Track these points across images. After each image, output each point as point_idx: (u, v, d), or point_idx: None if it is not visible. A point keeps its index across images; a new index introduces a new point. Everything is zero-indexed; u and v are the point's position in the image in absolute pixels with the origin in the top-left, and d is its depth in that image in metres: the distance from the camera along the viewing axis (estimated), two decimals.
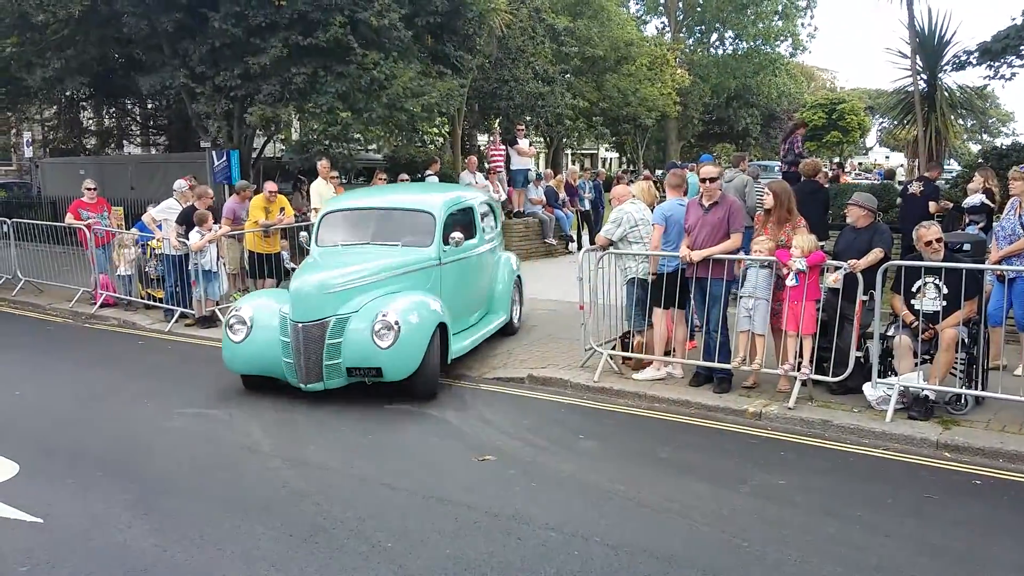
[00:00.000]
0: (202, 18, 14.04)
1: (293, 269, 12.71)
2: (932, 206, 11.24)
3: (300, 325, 7.05)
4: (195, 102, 15.15)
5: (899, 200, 10.52)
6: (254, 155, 17.39)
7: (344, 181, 15.27)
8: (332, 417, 7.02)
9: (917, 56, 14.71)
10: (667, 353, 7.93)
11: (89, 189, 12.47)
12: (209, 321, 10.54)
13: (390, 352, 7.06)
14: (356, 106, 14.29)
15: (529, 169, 17.91)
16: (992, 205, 10.49)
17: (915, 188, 11.06)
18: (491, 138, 19.52)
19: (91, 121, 24.30)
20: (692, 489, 5.49)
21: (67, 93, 19.05)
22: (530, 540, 4.66)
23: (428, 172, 15.88)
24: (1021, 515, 5.12)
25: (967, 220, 10.45)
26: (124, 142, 24.09)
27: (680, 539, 4.71)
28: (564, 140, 29.71)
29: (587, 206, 18.83)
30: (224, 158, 15.69)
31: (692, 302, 7.67)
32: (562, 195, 18.33)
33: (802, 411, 6.83)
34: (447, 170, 17.66)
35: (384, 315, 7.09)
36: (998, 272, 7.53)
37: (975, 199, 10.63)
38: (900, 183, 14.23)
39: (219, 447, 6.32)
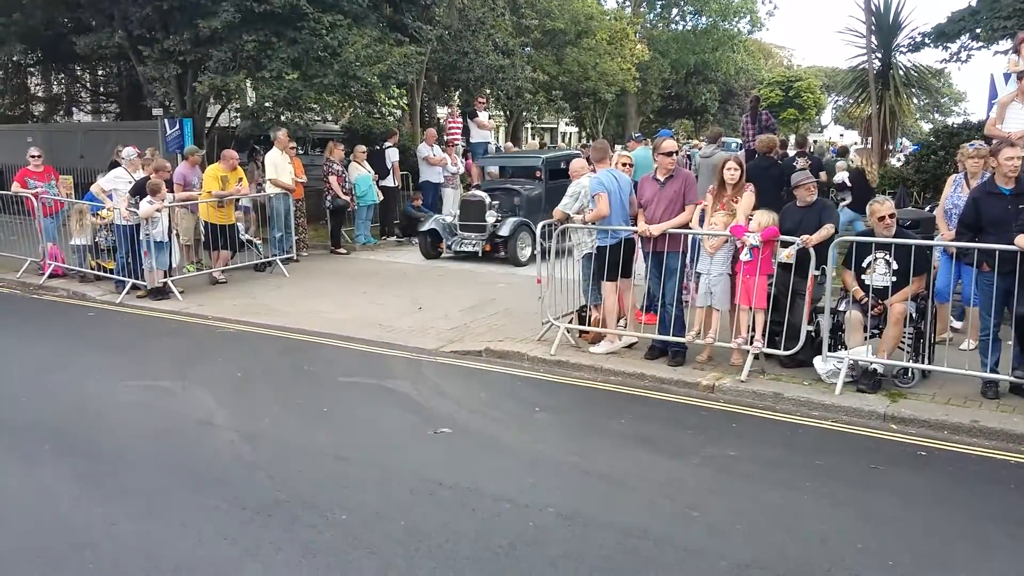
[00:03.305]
0: None
1: (249, 241, 12.57)
2: (823, 175, 12.63)
3: None
4: (143, 65, 14.77)
5: None
6: (208, 124, 17.04)
7: (300, 152, 15.04)
8: (287, 390, 6.96)
9: (873, 35, 14.81)
10: (622, 322, 8.02)
11: (34, 157, 12.10)
12: (161, 293, 10.37)
13: None
14: (308, 72, 14.02)
15: (488, 142, 17.84)
16: (851, 185, 12.01)
17: (803, 164, 11.37)
18: (450, 111, 19.36)
19: (39, 87, 23.58)
20: (645, 460, 5.55)
21: (13, 58, 18.42)
22: (485, 511, 4.68)
23: (387, 144, 15.73)
24: (963, 485, 5.27)
25: (838, 196, 11.70)
26: (73, 109, 23.42)
27: (633, 510, 4.76)
28: (524, 114, 29.57)
29: None
30: (177, 127, 15.35)
31: (648, 277, 7.74)
32: None
33: (754, 384, 6.93)
34: (405, 142, 17.51)
35: None
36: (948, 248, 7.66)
37: (839, 177, 12.05)
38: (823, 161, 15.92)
39: (171, 420, 6.23)
